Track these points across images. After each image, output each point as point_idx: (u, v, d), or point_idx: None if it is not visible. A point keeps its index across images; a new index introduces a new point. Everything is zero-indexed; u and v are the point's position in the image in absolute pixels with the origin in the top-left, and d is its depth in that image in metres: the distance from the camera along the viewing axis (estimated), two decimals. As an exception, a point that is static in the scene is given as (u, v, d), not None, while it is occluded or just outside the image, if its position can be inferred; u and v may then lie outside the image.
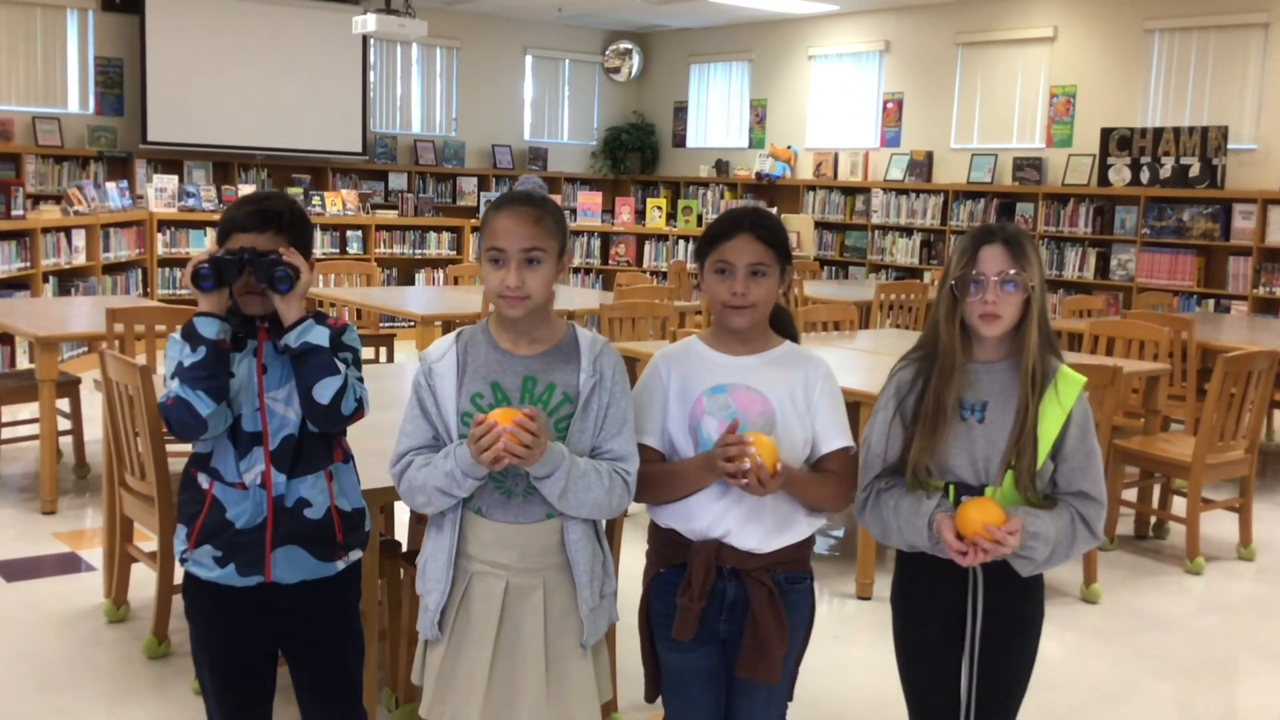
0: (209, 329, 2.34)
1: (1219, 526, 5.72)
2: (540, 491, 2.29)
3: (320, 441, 2.48)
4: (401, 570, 3.56)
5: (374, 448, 3.23)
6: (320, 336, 2.39)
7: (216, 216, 10.53)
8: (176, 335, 2.39)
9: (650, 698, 2.57)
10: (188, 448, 2.53)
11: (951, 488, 2.39)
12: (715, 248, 2.42)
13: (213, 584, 2.46)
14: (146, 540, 4.23)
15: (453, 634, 2.38)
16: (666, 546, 2.48)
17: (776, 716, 2.56)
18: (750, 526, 2.40)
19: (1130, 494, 5.70)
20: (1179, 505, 5.52)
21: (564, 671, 2.37)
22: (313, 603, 2.51)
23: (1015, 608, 2.45)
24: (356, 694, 2.66)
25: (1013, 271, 2.33)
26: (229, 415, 2.41)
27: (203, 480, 2.46)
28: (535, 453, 2.19)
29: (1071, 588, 4.84)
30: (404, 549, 3.78)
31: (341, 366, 2.40)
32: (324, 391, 2.37)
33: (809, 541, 2.51)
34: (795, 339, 2.56)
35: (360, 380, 2.47)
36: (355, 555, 2.56)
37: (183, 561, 2.50)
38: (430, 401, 2.36)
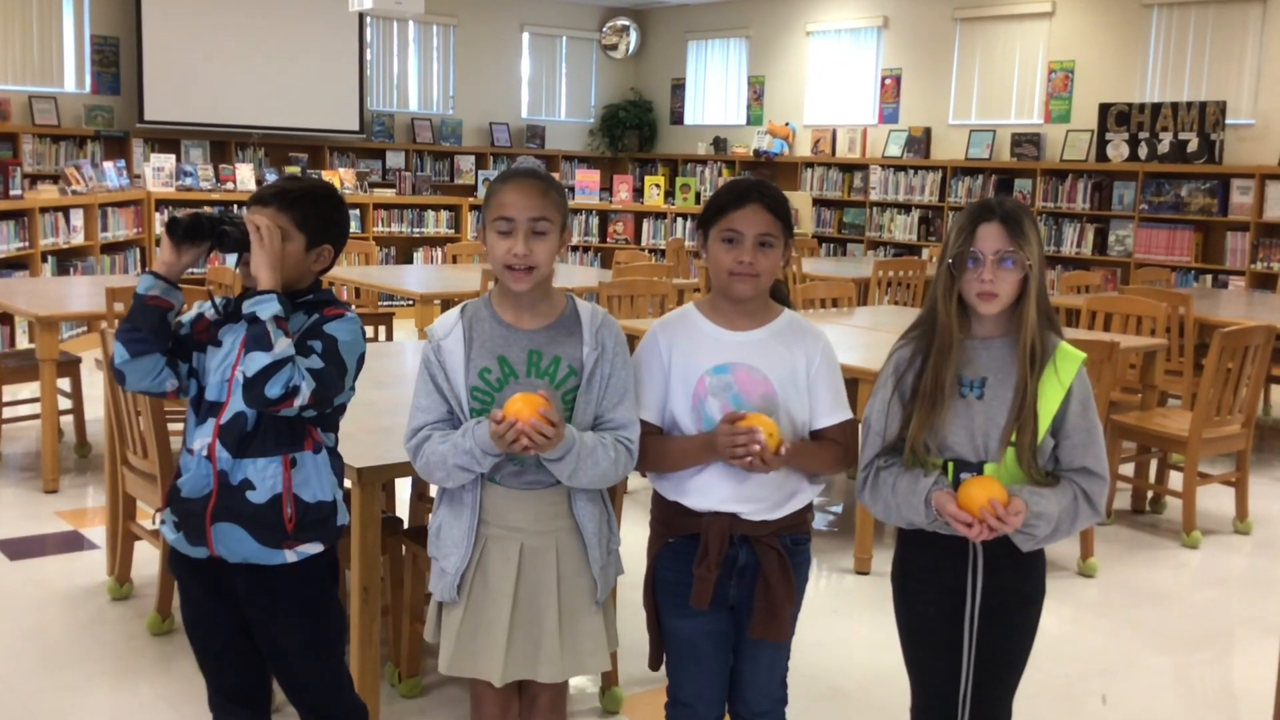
0: (142, 284, 2.39)
1: (1215, 501, 5.76)
2: (551, 471, 2.36)
3: (283, 426, 2.42)
4: (403, 547, 3.58)
5: (376, 426, 3.25)
6: (266, 310, 2.33)
7: (214, 195, 10.56)
8: None
9: (655, 665, 2.62)
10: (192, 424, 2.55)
11: (950, 465, 2.39)
12: (723, 216, 2.44)
13: (175, 549, 2.51)
14: (149, 518, 4.25)
15: (471, 595, 2.44)
16: (676, 518, 2.52)
17: (780, 679, 2.61)
18: (758, 500, 2.46)
19: (1127, 469, 5.72)
20: (1176, 480, 5.55)
21: (577, 625, 2.45)
22: (267, 591, 2.46)
23: (1016, 584, 2.45)
24: (327, 687, 2.60)
25: (1010, 250, 2.32)
26: (161, 374, 2.42)
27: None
28: (554, 442, 2.26)
29: (1069, 562, 4.87)
30: (405, 526, 3.80)
31: (280, 347, 2.32)
32: (250, 365, 2.32)
33: (810, 505, 2.58)
34: (791, 307, 2.59)
35: (320, 372, 2.37)
36: (311, 549, 2.46)
37: (161, 523, 2.54)
38: (441, 377, 2.40)
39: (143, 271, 2.45)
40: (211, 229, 2.42)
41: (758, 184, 2.47)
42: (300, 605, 2.50)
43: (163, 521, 2.54)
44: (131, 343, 2.39)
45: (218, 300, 2.50)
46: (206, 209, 2.42)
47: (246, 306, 2.35)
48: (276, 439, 2.42)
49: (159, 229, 10.23)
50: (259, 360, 2.31)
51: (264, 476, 2.41)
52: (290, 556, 2.44)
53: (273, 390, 2.31)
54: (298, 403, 2.34)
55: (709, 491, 2.46)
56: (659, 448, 2.48)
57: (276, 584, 2.46)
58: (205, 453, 2.42)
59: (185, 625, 2.59)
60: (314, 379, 2.35)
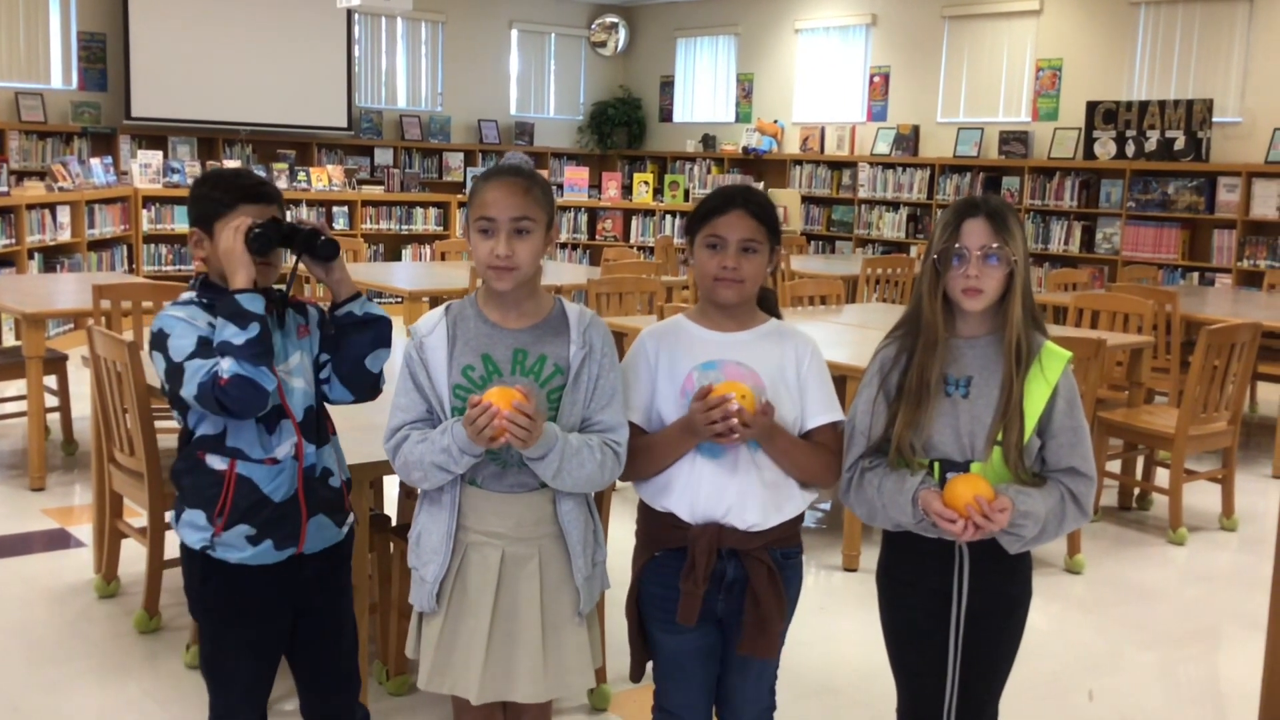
0: (257, 304, 2.29)
1: (1202, 498, 5.77)
2: (535, 471, 2.31)
3: (325, 411, 2.55)
4: (391, 544, 3.57)
5: (364, 423, 3.24)
6: (378, 309, 2.50)
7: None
8: (177, 314, 2.34)
9: (635, 678, 2.59)
10: (176, 424, 2.53)
11: (936, 465, 2.38)
12: (707, 223, 2.43)
13: (242, 565, 2.42)
14: (136, 516, 4.24)
15: (450, 605, 2.39)
16: (662, 531, 2.47)
17: (769, 687, 2.59)
18: (749, 502, 2.42)
19: (1114, 466, 5.74)
20: (1162, 477, 5.57)
21: (560, 639, 2.40)
22: (327, 568, 2.55)
23: (1002, 588, 2.44)
24: (357, 655, 2.71)
25: (995, 245, 2.31)
26: None
27: (214, 461, 2.40)
28: (533, 435, 2.21)
29: (1056, 559, 4.88)
30: (393, 523, 3.80)
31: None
32: (377, 362, 2.49)
33: (801, 517, 2.54)
34: (779, 318, 2.58)
35: None
36: (351, 519, 2.64)
37: (209, 549, 2.42)
38: (423, 374, 2.37)
39: (235, 292, 2.33)
40: (287, 238, 2.37)
41: (743, 190, 2.47)
42: (348, 573, 2.65)
43: (211, 546, 2.41)
44: (271, 366, 2.30)
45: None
46: (277, 217, 2.37)
47: (361, 308, 2.48)
48: (327, 424, 2.56)
49: (146, 226, 10.25)
50: (384, 357, 2.52)
51: (332, 461, 2.54)
52: (344, 529, 2.59)
53: (383, 382, 2.54)
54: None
55: (696, 487, 2.42)
56: (643, 445, 2.45)
57: (339, 556, 2.59)
58: (294, 454, 2.43)
59: (243, 641, 2.49)
60: None
